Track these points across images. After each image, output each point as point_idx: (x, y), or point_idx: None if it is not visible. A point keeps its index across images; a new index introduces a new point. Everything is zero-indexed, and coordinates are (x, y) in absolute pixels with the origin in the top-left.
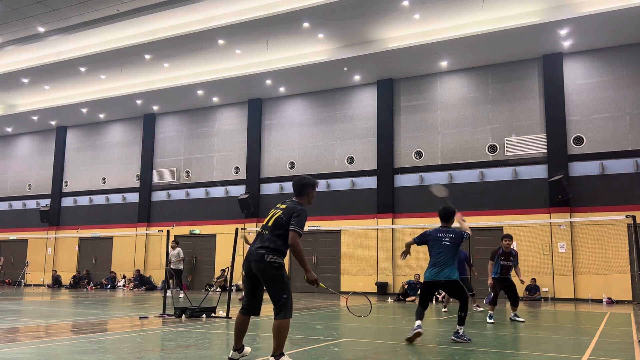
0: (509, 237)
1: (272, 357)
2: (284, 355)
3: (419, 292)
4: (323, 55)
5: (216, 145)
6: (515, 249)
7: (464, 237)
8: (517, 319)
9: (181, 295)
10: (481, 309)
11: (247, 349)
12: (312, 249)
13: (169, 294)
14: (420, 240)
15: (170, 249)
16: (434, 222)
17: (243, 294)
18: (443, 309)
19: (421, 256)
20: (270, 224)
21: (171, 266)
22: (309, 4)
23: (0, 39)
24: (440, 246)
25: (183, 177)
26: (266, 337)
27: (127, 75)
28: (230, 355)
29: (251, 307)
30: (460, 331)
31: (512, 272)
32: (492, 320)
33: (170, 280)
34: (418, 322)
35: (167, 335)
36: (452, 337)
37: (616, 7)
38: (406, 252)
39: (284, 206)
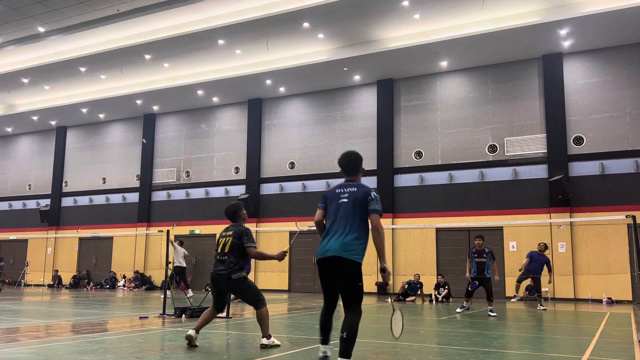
0: (481, 237)
1: (265, 338)
2: (271, 335)
3: (418, 292)
4: (323, 55)
5: (216, 145)
6: (488, 248)
7: (370, 194)
8: (490, 314)
9: (189, 295)
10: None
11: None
12: (312, 249)
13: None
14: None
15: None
16: (434, 222)
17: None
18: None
19: (422, 256)
20: (226, 250)
21: (176, 264)
22: (309, 4)
23: (0, 39)
24: (337, 205)
25: (183, 177)
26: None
27: (127, 75)
28: (189, 333)
29: (219, 306)
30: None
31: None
32: (460, 311)
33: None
34: (324, 349)
35: (167, 335)
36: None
37: (616, 7)
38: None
39: (230, 232)
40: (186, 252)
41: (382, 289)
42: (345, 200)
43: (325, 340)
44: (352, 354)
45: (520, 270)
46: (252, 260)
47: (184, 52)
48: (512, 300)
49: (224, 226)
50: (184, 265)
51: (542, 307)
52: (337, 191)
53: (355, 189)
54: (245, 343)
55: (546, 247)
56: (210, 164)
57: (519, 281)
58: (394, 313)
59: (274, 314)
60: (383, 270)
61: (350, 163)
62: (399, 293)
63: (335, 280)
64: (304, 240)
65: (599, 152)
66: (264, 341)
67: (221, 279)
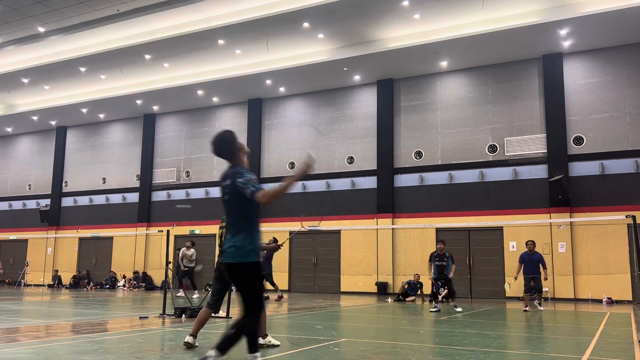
0: (442, 242)
1: (260, 338)
2: (267, 335)
3: (418, 292)
4: (323, 55)
5: None
6: (448, 252)
7: (236, 182)
8: (455, 309)
9: (195, 296)
10: (459, 309)
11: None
12: (312, 249)
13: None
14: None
15: (185, 249)
16: (434, 222)
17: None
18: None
19: (422, 256)
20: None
21: (183, 267)
22: (309, 4)
23: (0, 39)
24: (223, 203)
25: (183, 177)
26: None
27: (127, 75)
28: (187, 340)
29: (216, 304)
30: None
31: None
32: (436, 309)
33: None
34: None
35: (167, 335)
36: None
37: (616, 7)
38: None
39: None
40: (189, 254)
41: (382, 289)
42: (227, 197)
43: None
44: (226, 353)
45: (515, 279)
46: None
47: (184, 52)
48: (525, 309)
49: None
50: (192, 266)
51: (540, 307)
52: (221, 185)
53: (229, 181)
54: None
55: (534, 244)
56: (210, 164)
57: (527, 292)
58: None
59: (275, 314)
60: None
61: (220, 148)
62: (399, 293)
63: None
64: (304, 240)
65: (599, 152)
66: (260, 340)
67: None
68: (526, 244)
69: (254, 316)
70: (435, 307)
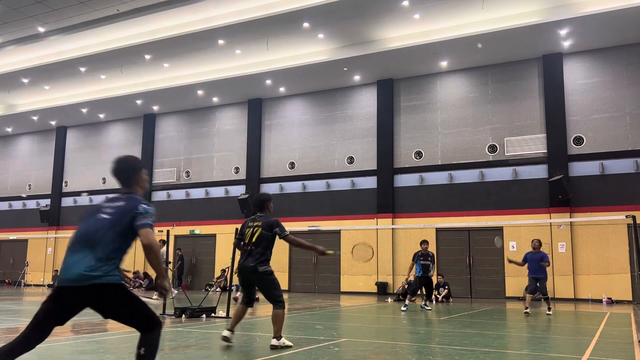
0: (426, 242)
1: (275, 339)
2: (282, 337)
3: (418, 292)
4: (323, 55)
5: (216, 145)
6: (432, 252)
7: (138, 208)
8: (425, 307)
9: (172, 296)
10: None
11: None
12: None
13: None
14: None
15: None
16: (435, 222)
17: (240, 293)
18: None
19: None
20: (254, 240)
21: None
22: (309, 4)
23: (0, 39)
24: (95, 220)
25: (183, 177)
26: (266, 336)
27: (127, 75)
28: (224, 334)
29: (248, 300)
30: None
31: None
32: (405, 309)
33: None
34: None
35: (167, 335)
36: None
37: (616, 7)
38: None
39: (259, 223)
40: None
41: (382, 289)
42: (106, 216)
43: None
44: None
45: (509, 261)
46: None
47: (184, 52)
48: (526, 311)
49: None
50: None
51: (548, 312)
52: (101, 205)
53: (124, 203)
54: (247, 343)
55: (540, 243)
56: (210, 164)
57: (530, 292)
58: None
59: None
60: (163, 287)
61: (122, 171)
62: (399, 293)
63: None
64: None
65: (599, 152)
66: (274, 342)
67: (247, 270)
68: (532, 241)
69: (149, 327)
70: (406, 305)
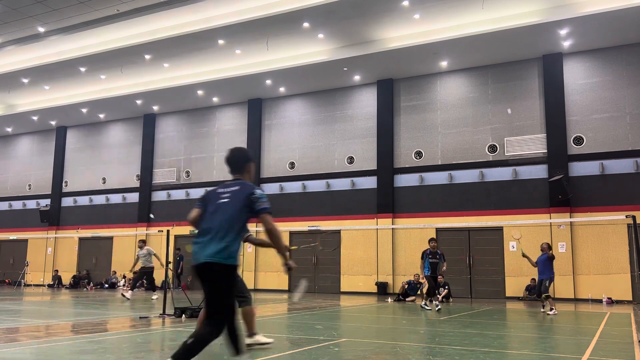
0: (435, 240)
1: (249, 337)
2: (256, 334)
3: (419, 292)
4: (323, 55)
5: (216, 145)
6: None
7: (254, 193)
8: (425, 307)
9: (154, 297)
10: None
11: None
12: (312, 249)
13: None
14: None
15: (139, 249)
16: (434, 222)
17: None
18: (435, 306)
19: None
20: None
21: (142, 266)
22: (309, 4)
23: (0, 39)
24: (216, 205)
25: (183, 177)
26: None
27: (127, 75)
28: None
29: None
30: None
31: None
32: (429, 308)
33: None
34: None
35: (167, 335)
36: None
37: (616, 7)
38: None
39: None
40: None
41: (382, 289)
42: (225, 200)
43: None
44: None
45: (523, 254)
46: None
47: (184, 52)
48: (551, 313)
49: None
50: (149, 266)
51: (550, 312)
52: (218, 191)
53: (238, 187)
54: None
55: (549, 247)
56: (210, 164)
57: (538, 295)
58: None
59: (274, 313)
60: (289, 269)
61: (235, 159)
62: (399, 293)
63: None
64: (304, 240)
65: (599, 152)
66: (247, 340)
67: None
68: (541, 245)
69: (219, 325)
70: (430, 304)
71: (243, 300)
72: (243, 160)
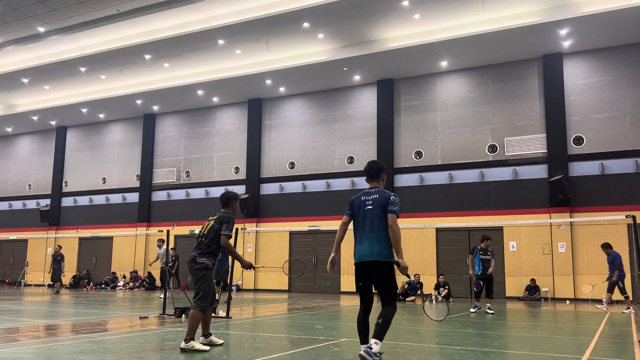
0: (489, 238)
1: (184, 342)
2: (194, 339)
3: (418, 292)
4: (323, 55)
5: (216, 145)
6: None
7: (390, 198)
8: (488, 311)
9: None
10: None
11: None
12: (312, 249)
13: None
14: (350, 209)
15: (158, 248)
16: (434, 222)
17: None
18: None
19: (422, 255)
20: (205, 232)
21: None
22: (309, 4)
23: (0, 39)
24: (364, 212)
25: (183, 177)
26: (266, 336)
27: (127, 75)
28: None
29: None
30: (375, 348)
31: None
32: (474, 311)
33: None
34: (365, 348)
35: (167, 335)
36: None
37: (616, 7)
38: (342, 233)
39: (214, 217)
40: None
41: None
42: (370, 207)
43: (364, 340)
44: (383, 338)
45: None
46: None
47: (184, 52)
48: (605, 308)
49: None
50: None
51: (604, 307)
52: (362, 198)
53: (377, 195)
54: (245, 343)
55: (607, 245)
56: (210, 164)
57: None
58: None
59: (275, 313)
60: (398, 265)
61: (372, 170)
62: (399, 293)
63: (372, 282)
64: (304, 240)
65: (599, 152)
66: (182, 344)
67: (189, 260)
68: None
69: (393, 305)
70: (476, 306)
71: (200, 305)
72: (379, 171)
